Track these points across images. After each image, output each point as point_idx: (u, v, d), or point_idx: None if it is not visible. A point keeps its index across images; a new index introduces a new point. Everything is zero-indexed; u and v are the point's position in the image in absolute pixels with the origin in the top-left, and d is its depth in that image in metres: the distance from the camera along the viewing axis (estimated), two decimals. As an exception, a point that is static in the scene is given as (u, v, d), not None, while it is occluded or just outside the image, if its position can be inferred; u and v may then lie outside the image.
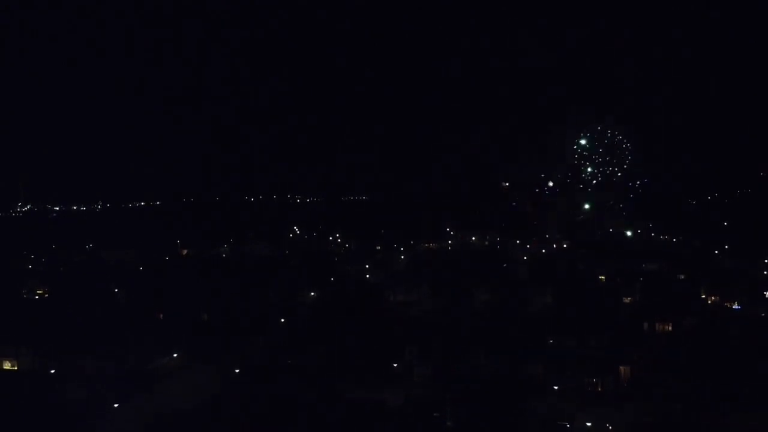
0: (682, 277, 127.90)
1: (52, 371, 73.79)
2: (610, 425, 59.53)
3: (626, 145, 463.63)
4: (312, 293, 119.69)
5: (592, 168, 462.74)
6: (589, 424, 59.37)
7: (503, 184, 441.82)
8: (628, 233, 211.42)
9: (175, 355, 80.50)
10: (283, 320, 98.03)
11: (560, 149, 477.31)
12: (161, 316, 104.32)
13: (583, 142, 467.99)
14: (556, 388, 66.46)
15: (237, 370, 73.20)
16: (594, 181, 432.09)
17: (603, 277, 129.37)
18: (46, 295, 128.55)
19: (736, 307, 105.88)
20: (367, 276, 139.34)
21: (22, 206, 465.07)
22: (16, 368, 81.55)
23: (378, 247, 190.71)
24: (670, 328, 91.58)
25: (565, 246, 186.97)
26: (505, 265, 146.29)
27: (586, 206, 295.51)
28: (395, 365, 74.06)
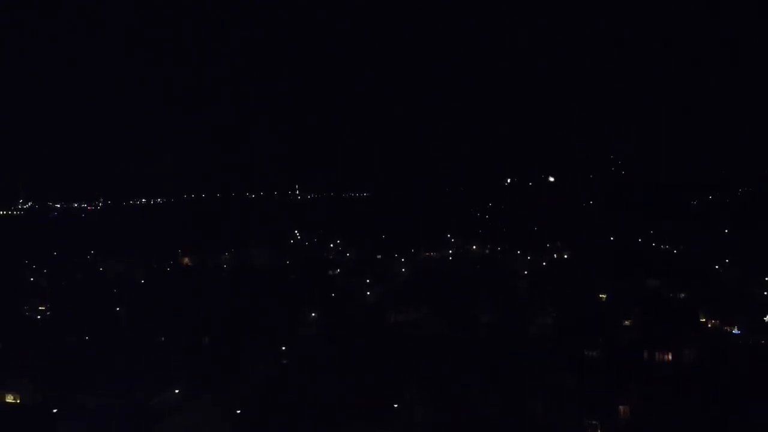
0: (683, 295, 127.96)
1: (55, 410, 73.79)
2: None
3: (623, 147, 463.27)
4: (313, 313, 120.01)
5: (591, 170, 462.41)
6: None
7: (504, 182, 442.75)
8: (629, 241, 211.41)
9: (177, 390, 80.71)
10: (284, 348, 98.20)
11: (560, 150, 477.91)
12: (162, 338, 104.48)
13: (583, 143, 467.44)
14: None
15: (238, 411, 73.34)
16: (593, 184, 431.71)
17: (603, 296, 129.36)
18: (48, 313, 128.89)
19: (737, 332, 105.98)
20: (368, 293, 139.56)
21: (23, 204, 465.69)
22: (18, 401, 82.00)
23: (378, 256, 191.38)
24: (670, 357, 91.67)
25: (566, 256, 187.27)
26: (505, 280, 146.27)
27: (586, 211, 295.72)
28: (395, 405, 74.15)
